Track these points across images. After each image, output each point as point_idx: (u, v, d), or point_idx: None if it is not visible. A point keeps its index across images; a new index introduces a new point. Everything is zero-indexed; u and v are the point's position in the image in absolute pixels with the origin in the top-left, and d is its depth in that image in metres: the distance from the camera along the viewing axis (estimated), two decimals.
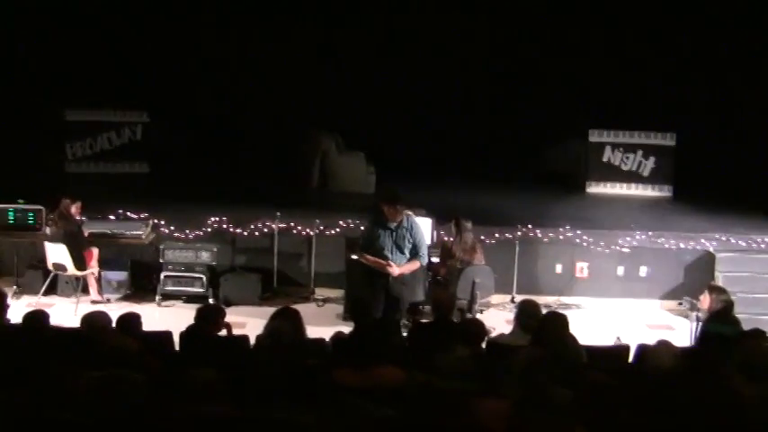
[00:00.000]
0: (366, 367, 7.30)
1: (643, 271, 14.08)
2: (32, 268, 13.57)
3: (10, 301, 9.34)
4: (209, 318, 8.90)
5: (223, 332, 9.09)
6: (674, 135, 17.58)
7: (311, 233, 13.84)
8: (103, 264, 13.34)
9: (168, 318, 12.21)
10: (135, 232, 13.43)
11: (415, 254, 10.96)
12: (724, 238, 14.07)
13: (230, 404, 6.45)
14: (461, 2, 19.27)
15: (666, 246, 14.03)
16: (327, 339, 9.30)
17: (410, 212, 11.75)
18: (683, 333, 11.43)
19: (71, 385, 6.55)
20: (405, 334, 9.85)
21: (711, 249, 13.93)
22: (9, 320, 8.88)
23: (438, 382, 6.81)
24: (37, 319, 8.18)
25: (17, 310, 9.56)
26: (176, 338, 9.00)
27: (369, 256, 11.03)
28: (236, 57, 19.21)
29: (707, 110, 17.80)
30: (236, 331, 9.42)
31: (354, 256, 11.39)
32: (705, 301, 9.56)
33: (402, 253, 10.92)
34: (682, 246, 14.04)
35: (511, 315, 10.94)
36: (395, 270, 10.83)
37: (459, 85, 19.64)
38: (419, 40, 19.55)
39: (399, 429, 5.89)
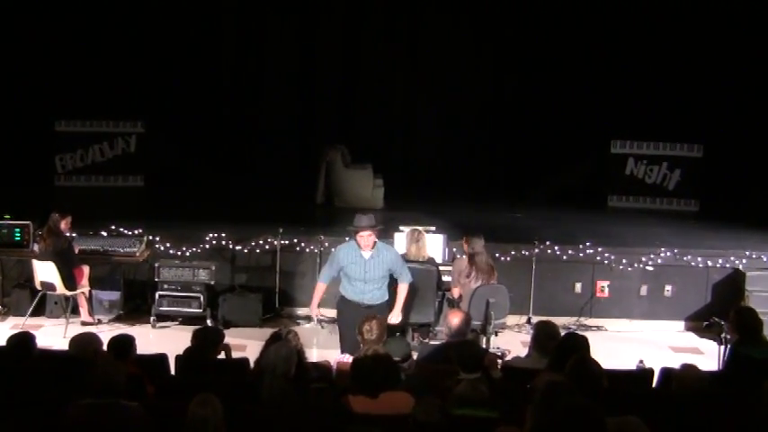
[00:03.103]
0: (376, 393, 7.30)
1: (668, 290, 14.05)
2: (19, 287, 13.58)
3: None
4: (206, 340, 8.90)
5: (222, 355, 9.10)
6: (702, 146, 17.55)
7: (316, 250, 13.84)
8: (95, 282, 13.34)
9: (163, 340, 12.21)
10: (128, 249, 13.43)
11: (399, 278, 10.81)
12: (754, 256, 14.03)
13: None
14: (476, 12, 19.29)
15: (693, 263, 14.00)
16: (332, 362, 9.32)
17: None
18: (710, 356, 11.39)
19: (60, 413, 6.56)
20: (414, 357, 9.83)
21: (741, 267, 13.89)
22: None
23: (451, 409, 6.81)
24: (23, 341, 8.17)
25: (2, 331, 9.57)
26: (172, 362, 9.02)
27: (317, 289, 11.06)
28: (236, 64, 19.29)
29: (736, 120, 17.75)
30: (235, 354, 9.42)
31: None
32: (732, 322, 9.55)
33: (376, 284, 10.66)
34: (709, 263, 14.01)
35: (527, 337, 10.92)
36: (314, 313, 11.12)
37: (474, 94, 19.69)
38: (433, 50, 19.61)
39: None
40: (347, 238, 11.47)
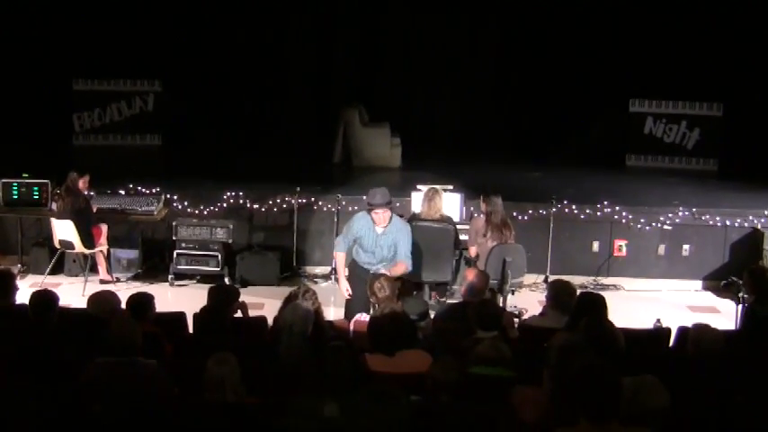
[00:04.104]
0: (393, 352, 7.33)
1: (686, 249, 14.03)
2: (38, 246, 13.66)
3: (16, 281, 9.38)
4: (220, 299, 8.90)
5: (238, 314, 9.12)
6: (721, 105, 17.45)
7: (333, 209, 13.84)
8: (113, 241, 13.40)
9: (181, 298, 12.27)
10: (146, 208, 13.47)
11: (398, 256, 10.51)
12: None
13: (249, 391, 6.50)
14: None
15: (711, 223, 13.97)
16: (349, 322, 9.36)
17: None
18: (728, 315, 11.40)
19: (78, 371, 6.61)
20: (432, 315, 9.85)
21: (759, 226, 13.85)
22: (16, 302, 8.93)
23: (469, 368, 6.84)
24: (45, 300, 8.21)
25: (22, 290, 9.60)
26: (190, 321, 9.06)
27: (339, 262, 10.89)
28: (254, 22, 19.19)
29: (756, 79, 17.64)
30: (253, 313, 9.46)
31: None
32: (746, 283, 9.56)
33: (387, 256, 10.53)
34: (728, 223, 13.96)
35: (544, 296, 10.92)
36: (346, 294, 10.64)
37: (491, 51, 19.60)
38: (452, 9, 19.47)
39: (426, 417, 5.91)
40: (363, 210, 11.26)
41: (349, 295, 10.58)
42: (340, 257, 10.88)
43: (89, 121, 17.99)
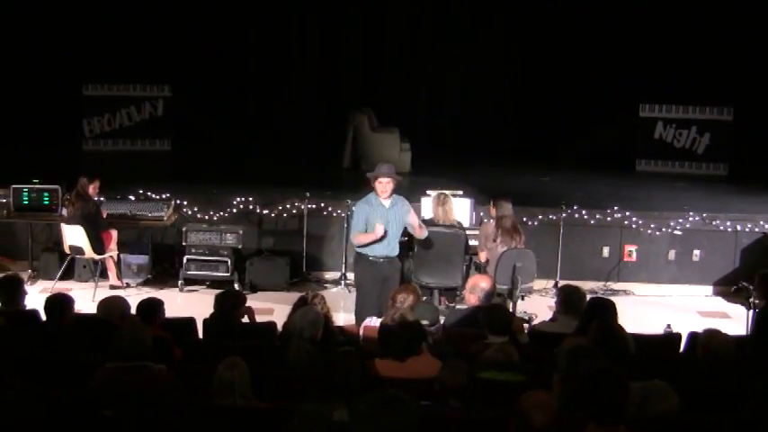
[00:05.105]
0: (403, 357, 7.32)
1: (696, 255, 14.00)
2: (48, 251, 13.68)
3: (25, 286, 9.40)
4: (226, 305, 8.91)
5: (245, 319, 9.13)
6: (731, 109, 17.40)
7: (342, 214, 13.84)
8: (123, 246, 13.41)
9: (191, 304, 12.28)
10: (156, 213, 13.47)
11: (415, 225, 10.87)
12: None
13: (258, 395, 6.51)
14: None
15: (721, 228, 13.93)
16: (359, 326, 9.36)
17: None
18: (739, 320, 11.37)
19: (88, 376, 6.62)
20: (441, 321, 9.84)
21: None
22: (25, 306, 8.95)
23: (478, 372, 6.83)
24: (60, 302, 8.24)
25: (32, 295, 9.63)
26: (200, 326, 9.07)
27: (360, 236, 10.71)
28: (263, 27, 19.23)
29: (766, 82, 17.58)
30: (263, 318, 9.47)
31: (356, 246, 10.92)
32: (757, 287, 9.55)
33: (397, 233, 10.73)
34: (738, 228, 13.92)
35: (554, 301, 10.91)
36: (379, 231, 10.42)
37: (501, 56, 19.59)
38: (459, 12, 19.49)
39: (436, 423, 5.91)
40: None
41: (384, 231, 10.47)
42: (360, 234, 10.70)
43: (99, 126, 18.02)
